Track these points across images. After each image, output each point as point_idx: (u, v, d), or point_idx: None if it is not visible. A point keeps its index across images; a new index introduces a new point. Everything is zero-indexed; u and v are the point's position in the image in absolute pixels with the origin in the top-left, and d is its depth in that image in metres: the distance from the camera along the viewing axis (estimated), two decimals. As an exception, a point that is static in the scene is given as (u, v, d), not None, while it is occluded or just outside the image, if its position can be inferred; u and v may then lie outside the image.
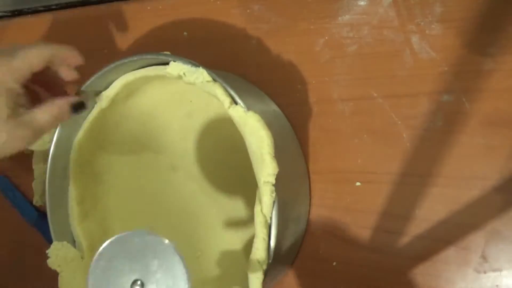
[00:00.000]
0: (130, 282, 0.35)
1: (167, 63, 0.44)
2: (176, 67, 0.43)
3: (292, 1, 0.51)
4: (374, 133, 0.47)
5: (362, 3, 0.48)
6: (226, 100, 0.41)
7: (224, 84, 0.42)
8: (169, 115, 0.52)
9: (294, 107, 0.50)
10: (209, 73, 0.42)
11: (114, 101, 0.48)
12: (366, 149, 0.48)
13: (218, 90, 0.41)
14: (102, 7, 0.60)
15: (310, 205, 0.49)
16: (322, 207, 0.49)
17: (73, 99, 0.43)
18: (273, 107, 0.50)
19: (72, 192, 0.50)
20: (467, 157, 0.44)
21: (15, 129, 0.39)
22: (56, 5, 0.62)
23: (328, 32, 0.49)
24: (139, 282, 0.34)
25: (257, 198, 0.40)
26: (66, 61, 0.43)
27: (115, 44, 0.59)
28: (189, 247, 0.52)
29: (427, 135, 0.45)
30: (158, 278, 0.34)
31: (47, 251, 0.47)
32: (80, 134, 0.49)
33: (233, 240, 0.51)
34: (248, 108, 0.41)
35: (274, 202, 0.39)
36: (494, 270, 0.43)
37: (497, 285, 0.43)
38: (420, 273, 0.45)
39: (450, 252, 0.44)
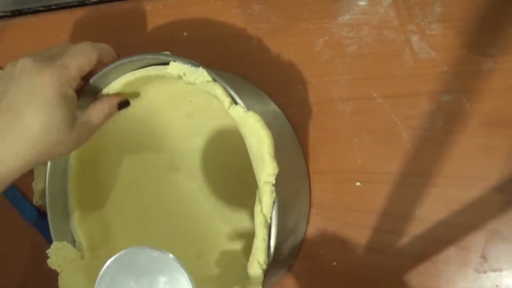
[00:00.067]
0: None
1: (167, 63, 0.44)
2: (176, 67, 0.43)
3: (292, 1, 0.51)
4: (374, 133, 0.47)
5: (362, 3, 0.48)
6: (226, 100, 0.41)
7: (224, 84, 0.42)
8: (169, 115, 0.52)
9: (294, 107, 0.50)
10: (209, 73, 0.42)
11: None
12: (366, 149, 0.48)
13: (218, 90, 0.41)
14: (102, 7, 0.60)
15: (310, 205, 0.49)
16: (322, 207, 0.49)
17: (119, 98, 0.48)
18: (273, 107, 0.50)
19: (72, 192, 0.50)
20: (467, 157, 0.44)
21: (76, 133, 0.43)
22: (56, 5, 0.62)
23: (328, 32, 0.49)
24: None
25: (257, 198, 0.40)
26: (105, 59, 0.46)
27: (115, 44, 0.58)
28: (189, 247, 0.52)
29: (427, 135, 0.45)
30: None
31: (47, 251, 0.47)
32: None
33: (233, 240, 0.51)
34: (248, 108, 0.41)
35: (274, 202, 0.39)
36: (494, 270, 0.43)
37: (497, 285, 0.43)
38: (420, 273, 0.45)
39: (450, 252, 0.44)
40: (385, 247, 0.46)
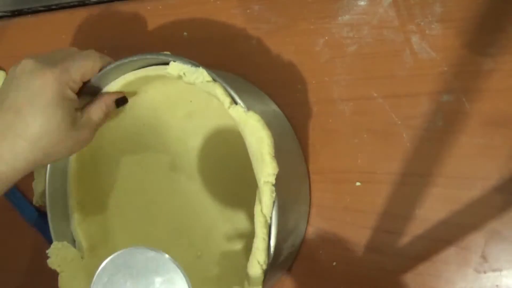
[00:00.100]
0: None
1: (167, 63, 0.44)
2: (176, 67, 0.43)
3: (292, 1, 0.51)
4: (374, 133, 0.47)
5: (362, 3, 0.48)
6: (226, 100, 0.41)
7: (224, 84, 0.42)
8: (169, 115, 0.52)
9: (294, 107, 0.50)
10: (209, 73, 0.42)
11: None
12: (366, 149, 0.48)
13: (218, 90, 0.41)
14: (102, 7, 0.60)
15: (310, 205, 0.49)
16: (322, 207, 0.49)
17: (116, 94, 0.48)
18: (273, 107, 0.50)
19: (72, 193, 0.50)
20: (467, 157, 0.44)
21: (77, 133, 0.44)
22: (56, 5, 0.62)
23: (328, 32, 0.49)
24: None
25: (257, 198, 0.40)
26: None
27: (115, 44, 0.59)
28: (189, 247, 0.52)
29: (427, 135, 0.45)
30: None
31: (47, 251, 0.47)
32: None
33: (233, 240, 0.51)
34: (248, 108, 0.41)
35: (274, 202, 0.39)
36: (494, 270, 0.43)
37: (497, 285, 0.43)
38: (420, 273, 0.45)
39: (450, 252, 0.44)
40: (385, 247, 0.46)
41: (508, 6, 0.43)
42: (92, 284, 0.36)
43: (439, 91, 0.45)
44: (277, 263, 0.43)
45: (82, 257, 0.48)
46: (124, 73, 0.47)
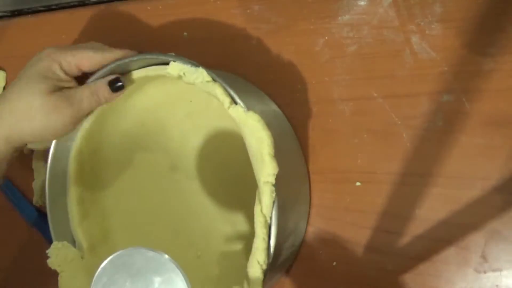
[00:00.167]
0: None
1: (167, 63, 0.44)
2: (176, 67, 0.43)
3: (292, 1, 0.51)
4: (374, 133, 0.47)
5: (362, 3, 0.48)
6: (226, 100, 0.41)
7: (224, 84, 0.42)
8: (169, 115, 0.52)
9: (294, 107, 0.50)
10: (208, 73, 0.42)
11: (113, 102, 0.48)
12: (366, 149, 0.48)
13: (217, 90, 0.41)
14: (102, 7, 0.60)
15: (310, 205, 0.49)
16: (322, 207, 0.49)
17: (109, 77, 0.45)
18: (273, 107, 0.50)
19: (72, 193, 0.50)
20: (467, 157, 0.44)
21: (56, 101, 0.42)
22: (56, 5, 0.62)
23: (328, 32, 0.49)
24: None
25: (257, 198, 0.40)
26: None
27: (115, 44, 0.58)
28: (189, 247, 0.52)
29: (427, 135, 0.45)
30: None
31: (47, 251, 0.47)
32: (80, 134, 0.49)
33: (233, 240, 0.51)
34: (248, 108, 0.41)
35: (274, 202, 0.39)
36: (494, 270, 0.43)
37: (497, 285, 0.43)
38: (420, 273, 0.45)
39: (450, 252, 0.44)
40: (385, 247, 0.46)
41: (508, 6, 0.43)
42: (92, 284, 0.36)
43: (439, 91, 0.45)
44: (277, 263, 0.43)
45: (82, 257, 0.48)
46: (125, 73, 0.47)
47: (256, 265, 0.39)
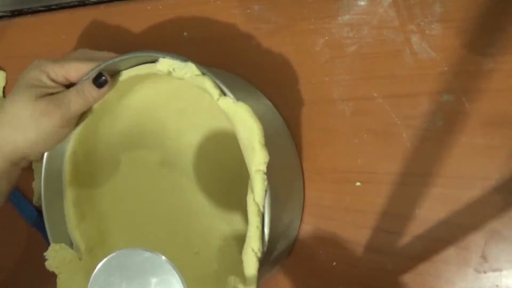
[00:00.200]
0: None
1: (157, 61, 0.44)
2: (166, 63, 0.43)
3: (292, 1, 0.51)
4: (374, 133, 0.47)
5: (362, 3, 0.48)
6: (215, 92, 0.41)
7: (213, 77, 0.42)
8: (162, 113, 0.52)
9: (294, 107, 0.50)
10: (197, 67, 0.42)
11: (107, 102, 0.49)
12: (366, 149, 0.48)
13: (207, 83, 0.41)
14: (102, 7, 0.60)
15: (304, 195, 0.49)
16: (322, 207, 0.49)
17: (91, 74, 0.45)
18: (264, 101, 0.50)
19: (68, 195, 0.50)
20: (467, 157, 0.44)
21: (45, 106, 0.42)
22: (56, 5, 0.62)
23: (328, 32, 0.49)
24: None
25: (249, 188, 0.40)
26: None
27: (115, 44, 0.59)
28: (186, 244, 0.52)
29: (427, 135, 0.45)
30: None
31: (44, 254, 0.47)
32: (74, 136, 0.49)
33: (230, 237, 0.51)
34: (238, 100, 0.41)
35: (266, 190, 0.39)
36: (494, 270, 0.43)
37: (497, 285, 0.43)
38: (420, 273, 0.45)
39: (450, 252, 0.44)
40: (385, 247, 0.46)
41: (508, 6, 0.43)
42: (89, 285, 0.36)
43: (439, 91, 0.45)
44: (272, 252, 0.43)
45: (80, 259, 0.48)
46: (115, 73, 0.47)
47: (251, 252, 0.39)
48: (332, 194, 0.49)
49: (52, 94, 0.44)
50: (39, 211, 0.61)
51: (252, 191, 0.39)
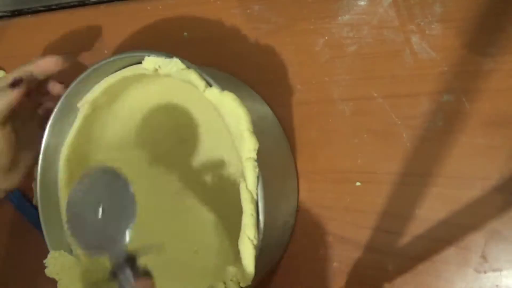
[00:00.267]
0: (96, 209, 0.40)
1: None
2: (151, 61, 0.43)
3: (292, 1, 0.51)
4: (374, 133, 0.47)
5: (362, 3, 0.48)
6: (201, 84, 0.41)
7: (198, 70, 0.42)
8: (154, 114, 0.53)
9: (294, 107, 0.50)
10: (182, 61, 0.42)
11: (97, 106, 0.49)
12: (366, 149, 0.48)
13: (192, 76, 0.42)
14: (102, 7, 0.60)
15: (298, 182, 0.49)
16: (322, 207, 0.49)
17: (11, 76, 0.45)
18: (256, 97, 0.51)
19: (64, 201, 0.50)
20: (467, 157, 0.44)
21: None
22: (56, 5, 0.62)
23: (328, 32, 0.49)
24: (100, 209, 0.39)
25: (241, 176, 0.40)
26: (47, 72, 0.46)
27: (115, 44, 0.59)
28: (185, 243, 0.52)
29: (427, 135, 0.45)
30: (115, 206, 0.39)
31: (44, 261, 0.48)
32: (67, 142, 0.49)
33: (229, 232, 0.51)
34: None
35: (258, 177, 0.39)
36: (494, 270, 0.43)
37: (497, 285, 0.43)
38: (420, 273, 0.45)
39: (450, 252, 0.44)
40: (385, 247, 0.46)
41: (508, 6, 0.43)
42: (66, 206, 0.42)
43: (439, 91, 0.45)
44: (269, 241, 0.42)
45: (79, 264, 0.49)
46: (105, 76, 0.47)
47: (247, 240, 0.39)
48: (332, 194, 0.49)
49: None
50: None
51: (245, 180, 0.39)
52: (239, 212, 0.50)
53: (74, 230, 0.41)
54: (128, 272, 0.37)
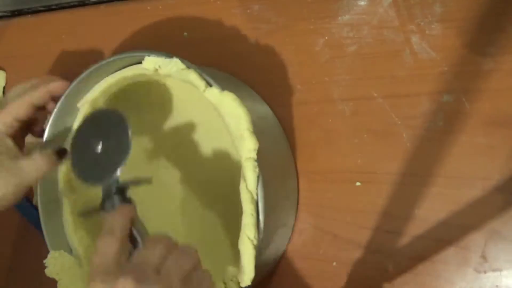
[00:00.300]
0: (96, 144, 0.42)
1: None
2: (151, 61, 0.44)
3: (292, 1, 0.51)
4: (374, 133, 0.47)
5: (362, 3, 0.48)
6: (201, 84, 0.41)
7: (198, 70, 0.42)
8: (154, 114, 0.53)
9: (294, 107, 0.50)
10: (182, 61, 0.42)
11: (97, 106, 0.49)
12: (366, 149, 0.48)
13: (192, 76, 0.42)
14: (102, 7, 0.60)
15: (298, 182, 0.49)
16: (322, 207, 0.49)
17: (55, 147, 0.45)
18: (256, 97, 0.51)
19: (65, 203, 0.50)
20: (467, 157, 0.44)
21: (6, 177, 0.42)
22: (56, 5, 0.62)
23: (328, 32, 0.49)
24: (100, 145, 0.41)
25: (241, 177, 0.40)
26: (52, 93, 0.46)
27: (115, 44, 0.59)
28: (184, 241, 0.52)
29: (427, 135, 0.45)
30: (113, 144, 0.41)
31: (44, 261, 0.48)
32: (67, 142, 0.49)
33: (229, 232, 0.51)
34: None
35: (258, 177, 0.39)
36: (494, 270, 0.43)
37: (497, 285, 0.43)
38: (420, 273, 0.45)
39: (450, 252, 0.44)
40: (385, 247, 0.46)
41: (508, 6, 0.43)
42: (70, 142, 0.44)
43: (439, 91, 0.45)
44: (269, 240, 0.42)
45: (79, 264, 0.49)
46: (107, 75, 0.47)
47: (247, 240, 0.39)
48: (332, 194, 0.49)
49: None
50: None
51: (245, 180, 0.39)
52: (239, 212, 0.50)
53: (75, 162, 0.43)
54: (116, 200, 0.40)
